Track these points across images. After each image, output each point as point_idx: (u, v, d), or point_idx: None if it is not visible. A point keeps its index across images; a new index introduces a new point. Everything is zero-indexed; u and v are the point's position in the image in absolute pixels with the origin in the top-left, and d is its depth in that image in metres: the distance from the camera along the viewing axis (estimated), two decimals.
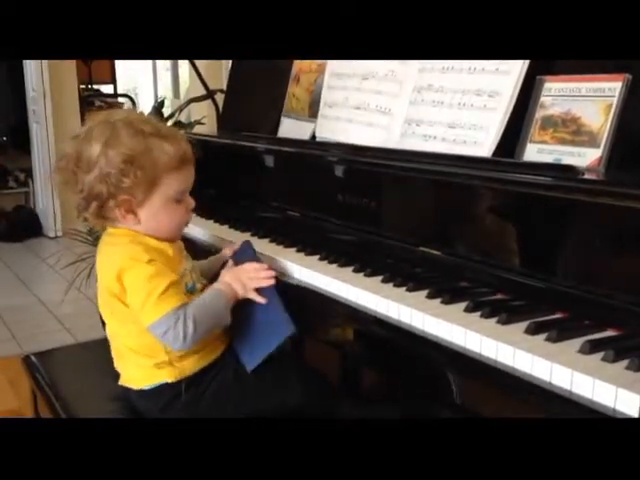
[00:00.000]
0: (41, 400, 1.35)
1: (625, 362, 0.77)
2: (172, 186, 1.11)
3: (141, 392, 1.16)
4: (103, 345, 1.23)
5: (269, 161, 1.58)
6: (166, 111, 3.52)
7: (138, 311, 1.08)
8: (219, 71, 3.65)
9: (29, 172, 5.29)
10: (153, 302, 1.06)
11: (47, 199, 4.97)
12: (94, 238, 2.88)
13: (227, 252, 1.30)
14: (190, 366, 1.14)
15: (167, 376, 1.13)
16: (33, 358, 1.44)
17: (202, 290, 1.18)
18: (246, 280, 1.15)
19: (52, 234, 4.94)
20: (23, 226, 5.02)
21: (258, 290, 1.15)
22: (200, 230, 1.54)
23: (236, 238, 1.48)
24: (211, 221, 1.61)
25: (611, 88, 1.01)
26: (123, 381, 1.20)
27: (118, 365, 1.20)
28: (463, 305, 0.98)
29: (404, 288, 1.07)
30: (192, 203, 1.18)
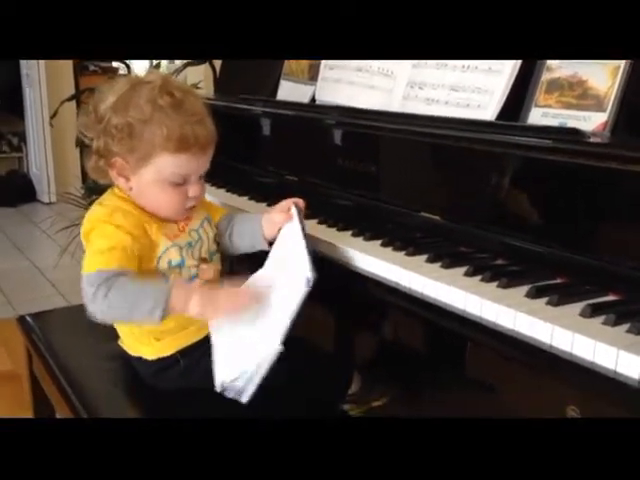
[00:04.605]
0: (36, 359, 1.35)
1: (626, 326, 0.77)
2: (166, 167, 1.03)
3: (134, 357, 1.15)
4: None
5: (267, 124, 1.56)
6: None
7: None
8: None
9: (22, 136, 5.22)
10: (89, 254, 1.01)
11: (41, 164, 4.92)
12: (88, 203, 2.86)
13: (277, 218, 1.10)
14: (168, 347, 1.10)
15: (147, 353, 1.11)
16: (28, 318, 1.44)
17: (202, 261, 1.11)
18: (219, 304, 0.99)
19: (46, 199, 4.90)
20: (17, 191, 4.96)
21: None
22: None
23: (234, 202, 1.47)
24: (208, 185, 1.59)
25: None
26: (121, 342, 1.19)
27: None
28: (463, 269, 0.97)
29: (403, 252, 1.06)
30: (196, 190, 1.07)
